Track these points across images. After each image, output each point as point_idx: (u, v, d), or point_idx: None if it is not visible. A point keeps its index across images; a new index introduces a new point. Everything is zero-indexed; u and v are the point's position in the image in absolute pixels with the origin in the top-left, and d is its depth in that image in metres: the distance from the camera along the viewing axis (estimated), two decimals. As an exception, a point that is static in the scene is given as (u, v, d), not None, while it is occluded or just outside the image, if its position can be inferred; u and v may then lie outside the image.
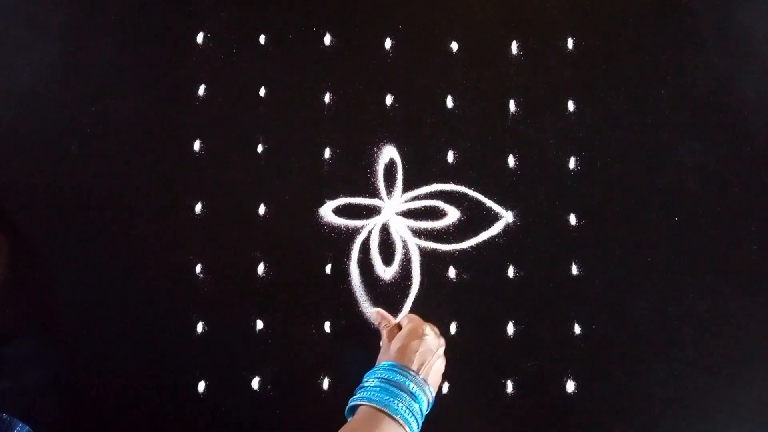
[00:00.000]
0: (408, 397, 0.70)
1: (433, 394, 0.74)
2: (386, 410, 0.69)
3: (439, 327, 0.83)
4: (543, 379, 0.84)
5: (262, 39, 0.88)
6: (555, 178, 0.87)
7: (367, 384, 0.73)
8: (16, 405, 0.83)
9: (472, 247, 0.86)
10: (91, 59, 0.88)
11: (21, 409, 0.84)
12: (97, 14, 0.88)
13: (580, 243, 0.86)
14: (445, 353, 0.78)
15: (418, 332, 0.77)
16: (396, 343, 0.77)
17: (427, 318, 0.85)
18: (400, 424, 0.68)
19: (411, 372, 0.73)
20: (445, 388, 0.84)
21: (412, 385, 0.72)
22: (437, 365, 0.77)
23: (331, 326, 0.85)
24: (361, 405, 0.70)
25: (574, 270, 0.85)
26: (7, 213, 0.85)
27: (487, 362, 0.85)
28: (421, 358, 0.75)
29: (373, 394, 0.70)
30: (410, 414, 0.70)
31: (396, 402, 0.70)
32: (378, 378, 0.72)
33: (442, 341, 0.79)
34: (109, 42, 0.88)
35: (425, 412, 0.72)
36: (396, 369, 0.73)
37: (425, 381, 0.73)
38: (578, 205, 0.86)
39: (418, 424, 0.71)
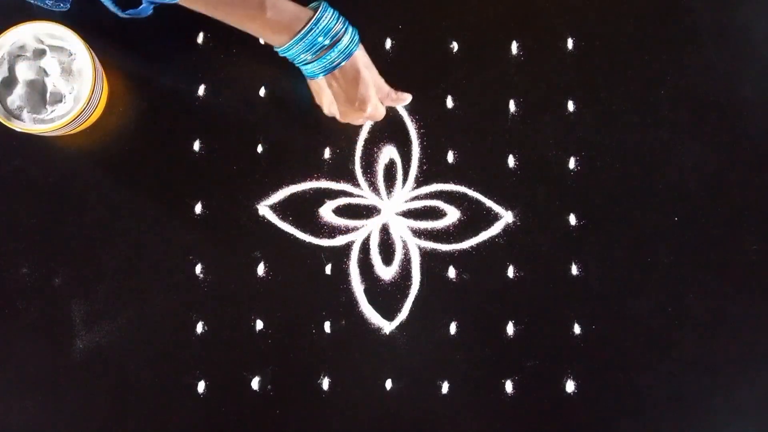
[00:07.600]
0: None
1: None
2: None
3: (439, 327, 0.83)
4: (543, 379, 0.84)
5: (262, 39, 0.88)
6: (555, 178, 0.87)
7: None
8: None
9: (472, 247, 0.86)
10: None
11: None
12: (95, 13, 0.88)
13: (580, 243, 0.86)
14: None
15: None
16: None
17: (427, 318, 0.85)
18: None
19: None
20: (445, 388, 0.84)
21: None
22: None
23: (331, 326, 0.85)
24: None
25: (574, 270, 0.86)
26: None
27: (487, 362, 0.85)
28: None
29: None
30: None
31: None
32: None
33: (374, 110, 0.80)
34: (107, 42, 0.88)
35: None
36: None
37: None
38: (578, 205, 0.86)
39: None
